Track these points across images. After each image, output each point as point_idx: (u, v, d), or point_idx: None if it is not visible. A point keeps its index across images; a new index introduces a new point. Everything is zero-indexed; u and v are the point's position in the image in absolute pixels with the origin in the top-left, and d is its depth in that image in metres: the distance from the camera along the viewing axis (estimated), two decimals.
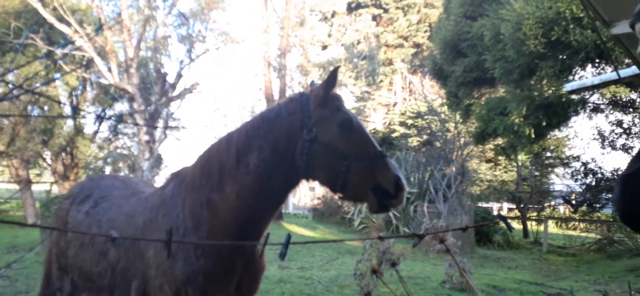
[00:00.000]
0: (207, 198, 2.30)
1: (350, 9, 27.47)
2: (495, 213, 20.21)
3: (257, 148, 2.22)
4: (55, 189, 21.93)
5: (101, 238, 2.62)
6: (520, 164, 20.18)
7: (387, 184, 2.07)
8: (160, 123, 17.48)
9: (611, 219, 15.82)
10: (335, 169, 2.12)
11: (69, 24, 15.24)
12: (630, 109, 14.35)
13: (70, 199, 3.15)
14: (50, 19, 14.93)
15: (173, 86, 18.11)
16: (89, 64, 17.34)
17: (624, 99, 14.10)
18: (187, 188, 2.39)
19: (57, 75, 17.71)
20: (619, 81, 8.98)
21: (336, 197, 2.24)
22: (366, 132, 2.24)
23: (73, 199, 3.11)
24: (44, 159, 20.44)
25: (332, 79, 2.23)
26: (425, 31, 27.86)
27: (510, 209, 23.22)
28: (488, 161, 23.73)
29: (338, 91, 2.38)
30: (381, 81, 27.64)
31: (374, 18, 27.72)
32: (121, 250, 2.52)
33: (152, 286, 2.34)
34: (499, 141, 15.25)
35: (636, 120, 14.80)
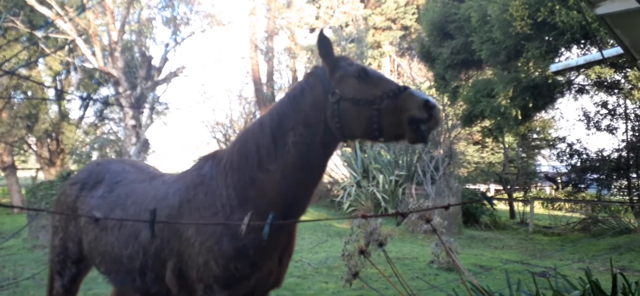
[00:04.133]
0: (252, 177, 2.35)
1: None
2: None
3: (291, 127, 2.30)
4: (41, 175, 21.69)
5: (129, 221, 2.63)
6: (507, 145, 20.37)
7: (418, 110, 2.09)
8: (147, 107, 17.29)
9: (595, 199, 16.10)
10: (368, 117, 2.17)
11: (50, 6, 14.92)
12: (615, 90, 14.52)
13: (78, 185, 3.07)
14: (31, 1, 14.60)
15: (159, 70, 17.89)
16: (72, 48, 17.03)
17: (609, 80, 14.26)
18: (226, 168, 2.44)
19: (40, 59, 17.37)
20: (603, 61, 9.07)
21: (379, 143, 2.29)
22: (382, 75, 2.31)
23: (82, 185, 3.05)
24: (29, 145, 20.16)
25: (322, 42, 2.29)
26: (413, 13, 27.73)
27: (497, 191, 23.48)
28: (475, 143, 23.91)
29: None
30: (370, 64, 27.58)
31: (362, 0, 27.53)
32: (155, 230, 2.50)
33: (194, 263, 2.36)
34: (486, 122, 15.35)
35: (620, 101, 14.99)
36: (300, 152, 2.29)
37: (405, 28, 28.55)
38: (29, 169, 24.38)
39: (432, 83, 18.22)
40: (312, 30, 25.71)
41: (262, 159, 2.34)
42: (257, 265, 2.35)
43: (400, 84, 2.22)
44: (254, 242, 2.30)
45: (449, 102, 17.14)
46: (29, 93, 18.62)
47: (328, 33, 24.73)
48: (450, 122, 18.86)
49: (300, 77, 24.13)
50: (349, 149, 18.45)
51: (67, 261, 3.06)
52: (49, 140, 20.14)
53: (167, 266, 2.48)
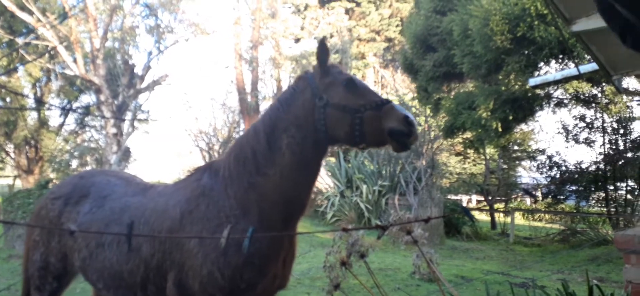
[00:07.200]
0: (251, 183, 2.41)
1: (323, 2, 27.42)
2: (464, 205, 20.59)
3: (283, 129, 2.39)
4: (18, 183, 21.24)
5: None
6: (488, 157, 20.61)
7: (397, 123, 2.25)
8: (128, 116, 17.10)
9: (574, 211, 16.38)
10: (350, 124, 2.30)
11: (31, 12, 14.71)
12: (592, 104, 14.83)
13: (62, 200, 2.98)
14: (11, 6, 14.38)
15: (141, 78, 17.74)
16: (52, 54, 16.80)
17: (586, 94, 14.57)
18: (225, 178, 2.47)
19: (20, 65, 17.09)
20: (579, 77, 9.29)
21: (361, 149, 2.41)
22: (369, 87, 2.45)
23: (66, 200, 2.96)
24: (7, 152, 19.74)
25: (322, 49, 2.43)
26: (397, 25, 28.07)
27: (479, 202, 23.72)
28: (457, 154, 24.14)
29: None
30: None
31: (347, 11, 27.74)
32: (156, 243, 2.52)
33: (197, 274, 2.37)
34: (468, 134, 15.53)
35: (598, 114, 15.30)
36: (295, 152, 2.37)
37: (389, 40, 28.87)
38: (6, 177, 23.85)
39: (415, 95, 18.41)
40: (297, 40, 25.82)
41: (259, 164, 2.41)
42: (263, 271, 2.40)
43: (384, 97, 2.37)
44: (259, 250, 2.34)
45: (431, 114, 17.31)
46: (8, 99, 18.28)
47: (313, 43, 24.85)
48: (432, 134, 19.04)
49: (284, 87, 24.20)
50: (332, 159, 18.49)
51: (48, 276, 2.99)
52: (27, 147, 19.75)
53: (168, 278, 2.49)
